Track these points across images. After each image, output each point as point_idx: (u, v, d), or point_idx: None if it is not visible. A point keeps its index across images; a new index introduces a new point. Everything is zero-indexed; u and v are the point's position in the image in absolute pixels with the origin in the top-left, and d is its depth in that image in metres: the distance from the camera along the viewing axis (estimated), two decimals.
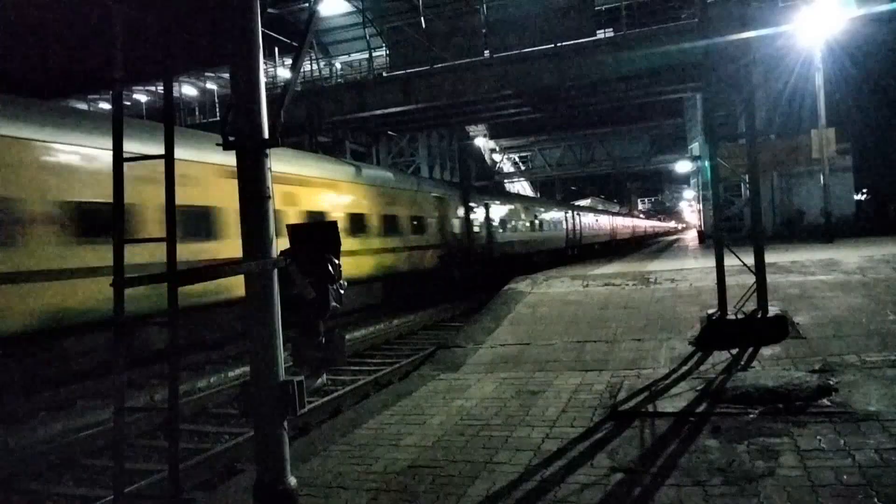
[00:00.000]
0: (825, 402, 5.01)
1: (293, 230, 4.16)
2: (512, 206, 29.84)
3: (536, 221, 32.88)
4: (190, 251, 10.87)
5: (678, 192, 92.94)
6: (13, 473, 6.36)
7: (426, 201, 21.43)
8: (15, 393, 8.97)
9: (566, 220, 38.80)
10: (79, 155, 9.69)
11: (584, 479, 4.09)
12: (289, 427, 3.49)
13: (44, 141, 9.32)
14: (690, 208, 75.85)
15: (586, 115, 38.85)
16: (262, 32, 3.45)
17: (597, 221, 50.47)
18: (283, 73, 29.29)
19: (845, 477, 3.73)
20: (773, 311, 7.42)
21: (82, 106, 36.25)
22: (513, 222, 29.19)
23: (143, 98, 35.18)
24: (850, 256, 12.21)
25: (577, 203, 59.57)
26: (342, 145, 29.50)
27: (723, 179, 15.60)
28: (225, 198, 11.50)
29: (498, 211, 27.17)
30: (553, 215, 36.75)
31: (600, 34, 24.48)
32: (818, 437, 4.35)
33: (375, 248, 17.50)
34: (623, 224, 66.25)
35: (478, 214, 24.85)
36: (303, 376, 3.50)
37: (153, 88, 33.90)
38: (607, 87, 26.01)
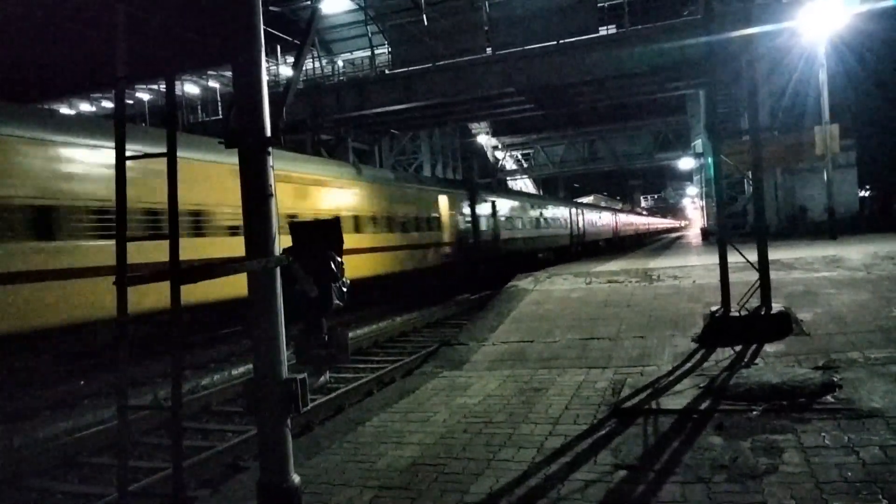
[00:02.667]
0: (829, 398, 5.00)
1: (295, 228, 4.16)
2: (517, 203, 30.23)
3: (541, 219, 33.02)
4: None
5: (681, 189, 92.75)
6: (18, 471, 6.38)
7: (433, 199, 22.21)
8: (19, 391, 9.01)
9: (570, 218, 38.83)
10: None
11: (588, 476, 4.09)
12: (292, 425, 3.49)
13: None
14: (693, 205, 75.73)
15: (589, 112, 38.83)
16: (264, 30, 3.45)
17: (600, 219, 50.51)
18: (286, 71, 29.28)
19: (849, 473, 3.72)
20: (776, 307, 7.41)
21: (85, 104, 36.34)
22: (517, 219, 29.48)
23: (146, 97, 35.19)
24: (854, 253, 12.19)
25: (580, 200, 59.63)
26: (344, 143, 29.49)
27: (726, 176, 15.56)
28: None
29: (503, 207, 27.56)
30: (557, 213, 36.73)
31: (603, 31, 24.41)
32: (822, 434, 4.34)
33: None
34: (626, 221, 66.29)
35: (482, 211, 25.32)
36: (306, 374, 3.51)
37: (156, 87, 33.89)
38: (610, 83, 25.94)
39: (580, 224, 41.03)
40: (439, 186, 23.83)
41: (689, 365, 6.60)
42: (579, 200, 58.60)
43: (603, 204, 74.01)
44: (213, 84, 33.96)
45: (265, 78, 3.48)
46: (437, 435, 5.17)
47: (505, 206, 27.89)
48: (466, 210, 24.30)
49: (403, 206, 19.98)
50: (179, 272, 2.99)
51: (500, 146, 51.40)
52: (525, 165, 55.48)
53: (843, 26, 18.96)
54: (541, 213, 33.14)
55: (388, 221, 18.87)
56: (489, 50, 24.96)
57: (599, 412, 5.36)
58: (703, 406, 5.19)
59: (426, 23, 24.97)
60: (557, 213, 36.77)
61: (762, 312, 7.28)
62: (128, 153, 3.17)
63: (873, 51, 22.50)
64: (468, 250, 23.76)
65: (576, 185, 78.29)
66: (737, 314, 7.32)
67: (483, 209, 25.33)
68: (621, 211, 72.49)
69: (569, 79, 24.28)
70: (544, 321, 9.30)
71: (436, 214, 22.05)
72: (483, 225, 25.18)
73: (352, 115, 27.71)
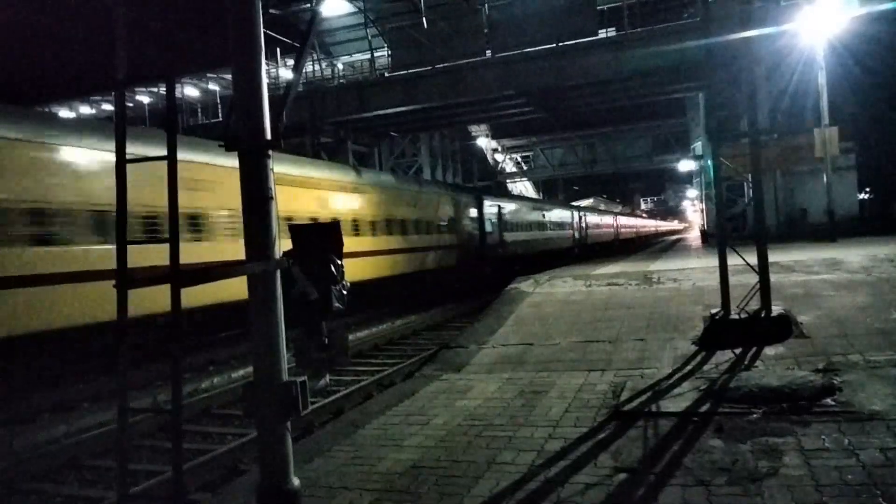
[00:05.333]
0: (829, 401, 4.99)
1: (296, 231, 4.16)
2: (521, 207, 31.97)
3: (548, 222, 34.59)
4: None
5: (681, 191, 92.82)
6: (18, 474, 6.37)
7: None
8: (19, 393, 9.00)
9: (573, 221, 40.12)
10: None
11: (588, 479, 4.08)
12: (292, 428, 3.49)
13: None
14: (693, 208, 75.79)
15: (588, 115, 38.81)
16: (264, 33, 3.45)
17: (601, 222, 52.32)
18: (285, 74, 29.30)
19: (850, 476, 3.72)
20: (776, 310, 7.40)
21: (85, 107, 36.34)
22: (525, 222, 31.04)
23: (146, 99, 35.21)
24: (854, 255, 12.19)
25: (581, 203, 61.06)
26: (344, 146, 29.50)
27: (725, 179, 15.55)
28: None
29: (507, 209, 28.93)
30: (561, 216, 38.03)
31: (602, 34, 24.45)
32: (822, 437, 4.33)
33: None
34: (626, 224, 68.03)
35: (489, 214, 26.62)
36: (306, 377, 3.50)
37: (155, 90, 33.90)
38: (609, 86, 25.98)
39: (583, 227, 42.24)
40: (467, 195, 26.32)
41: (689, 367, 6.59)
42: (581, 203, 59.29)
43: (602, 206, 74.64)
44: (212, 87, 33.98)
45: (265, 81, 3.48)
46: (436, 438, 5.17)
47: (508, 207, 29.18)
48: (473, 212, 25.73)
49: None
50: (179, 275, 2.99)
51: (499, 149, 51.43)
52: (525, 168, 55.47)
53: (842, 29, 18.99)
54: (544, 217, 34.16)
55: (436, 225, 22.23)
56: (489, 52, 24.99)
57: (599, 415, 5.35)
58: (704, 409, 5.18)
59: (426, 25, 25.00)
60: (561, 217, 38.02)
61: (762, 315, 7.27)
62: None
63: (873, 53, 22.53)
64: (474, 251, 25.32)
65: (575, 187, 78.26)
66: (737, 317, 7.31)
67: (489, 212, 26.86)
68: (621, 214, 74.20)
69: (568, 81, 24.31)
70: (544, 324, 9.29)
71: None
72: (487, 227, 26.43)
73: (351, 118, 27.73)
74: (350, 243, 11.63)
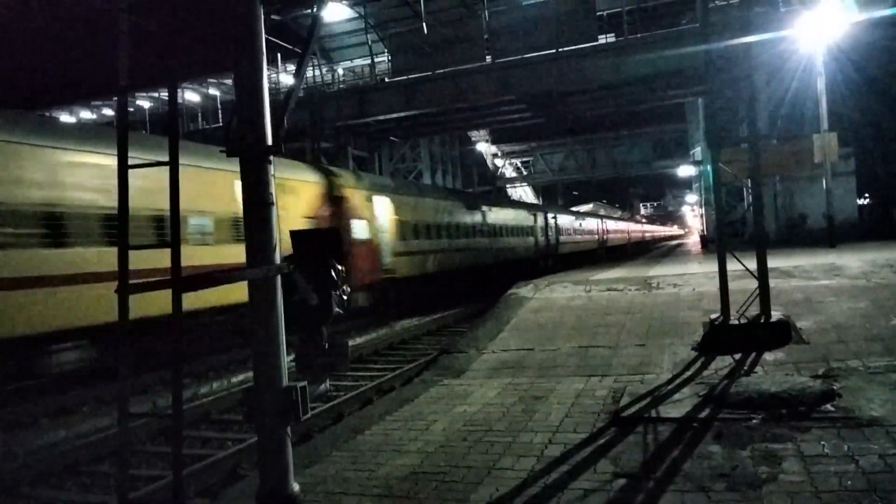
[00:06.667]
0: (829, 407, 5.00)
1: (296, 236, 4.17)
2: (618, 220, 58.14)
3: (622, 229, 55.23)
4: None
5: (680, 196, 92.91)
6: (17, 479, 6.36)
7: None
8: (18, 397, 8.99)
9: (627, 228, 64.85)
10: None
11: (588, 484, 4.08)
12: (292, 433, 3.49)
13: None
14: (693, 213, 75.96)
15: (588, 120, 38.93)
16: (265, 39, 3.47)
17: (635, 227, 76.45)
18: (286, 80, 29.32)
19: (849, 482, 3.72)
20: (775, 315, 7.41)
21: (86, 112, 36.38)
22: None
23: (146, 104, 35.24)
24: (853, 261, 12.19)
25: (599, 212, 74.82)
26: (344, 151, 29.52)
27: (725, 184, 15.58)
28: None
29: (609, 222, 50.37)
30: (622, 226, 61.41)
31: (602, 39, 24.50)
32: (822, 443, 4.34)
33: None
34: (648, 229, 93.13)
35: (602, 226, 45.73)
36: (306, 382, 3.51)
37: (156, 95, 33.94)
38: (609, 92, 26.04)
39: (630, 231, 65.91)
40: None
41: (688, 373, 6.59)
42: (581, 208, 63.83)
43: (601, 212, 77.73)
44: (213, 92, 34.03)
45: (266, 86, 3.50)
46: (436, 443, 5.17)
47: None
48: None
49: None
50: (180, 281, 3.00)
51: (499, 154, 51.48)
52: (524, 173, 55.52)
53: (842, 35, 19.02)
54: (618, 225, 58.24)
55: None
56: (489, 58, 25.04)
57: (599, 420, 5.36)
58: (703, 414, 5.18)
59: (426, 31, 25.04)
60: (621, 226, 63.33)
61: (761, 320, 7.28)
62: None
63: (873, 59, 22.54)
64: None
65: (574, 192, 78.25)
66: (736, 322, 7.31)
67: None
68: (641, 222, 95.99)
69: (568, 87, 24.36)
70: (544, 329, 9.29)
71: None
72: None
73: (352, 123, 27.77)
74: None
